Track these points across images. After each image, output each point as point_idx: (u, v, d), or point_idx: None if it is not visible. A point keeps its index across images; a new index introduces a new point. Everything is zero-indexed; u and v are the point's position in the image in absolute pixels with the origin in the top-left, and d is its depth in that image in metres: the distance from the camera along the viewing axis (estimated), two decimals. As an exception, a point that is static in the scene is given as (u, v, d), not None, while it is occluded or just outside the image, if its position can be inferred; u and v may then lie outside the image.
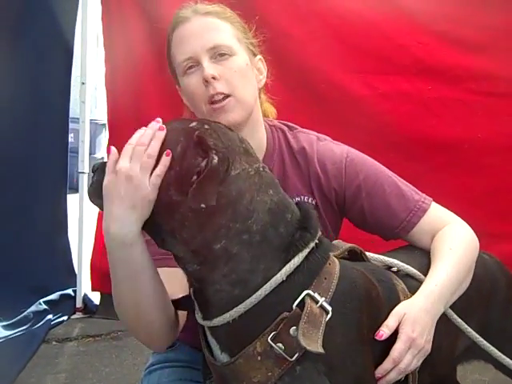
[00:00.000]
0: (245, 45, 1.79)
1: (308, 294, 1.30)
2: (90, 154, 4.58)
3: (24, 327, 3.98)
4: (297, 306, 1.29)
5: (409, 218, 1.73)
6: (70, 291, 4.44)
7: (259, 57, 1.86)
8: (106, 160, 1.39)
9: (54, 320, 4.18)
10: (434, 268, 1.59)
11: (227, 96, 1.68)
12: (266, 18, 3.85)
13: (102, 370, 3.52)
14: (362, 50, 3.85)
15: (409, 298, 1.49)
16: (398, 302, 1.47)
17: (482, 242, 3.66)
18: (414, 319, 1.40)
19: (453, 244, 1.66)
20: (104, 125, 4.47)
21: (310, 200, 1.79)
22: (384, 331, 1.37)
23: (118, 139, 3.88)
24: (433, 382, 1.66)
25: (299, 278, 1.33)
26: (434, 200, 1.84)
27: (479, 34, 3.78)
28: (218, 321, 1.31)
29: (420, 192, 1.81)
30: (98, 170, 1.41)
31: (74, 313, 4.39)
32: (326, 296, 1.32)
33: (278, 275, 1.31)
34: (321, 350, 1.23)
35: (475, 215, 3.79)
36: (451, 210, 3.78)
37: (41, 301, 4.24)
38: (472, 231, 1.78)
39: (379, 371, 1.36)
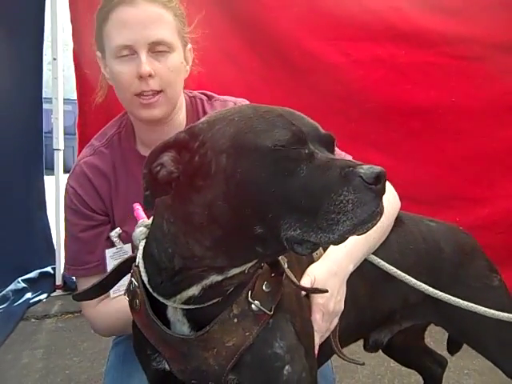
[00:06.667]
0: (182, 38, 1.78)
1: None
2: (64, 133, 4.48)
3: (3, 306, 3.96)
4: None
5: None
6: (49, 269, 4.42)
7: (190, 46, 1.85)
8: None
9: (33, 298, 4.17)
10: None
11: (158, 92, 1.71)
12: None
13: (79, 345, 3.51)
14: (335, 16, 3.83)
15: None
16: None
17: (457, 205, 3.72)
18: (322, 285, 1.46)
19: None
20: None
21: None
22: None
23: (87, 115, 3.91)
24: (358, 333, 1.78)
25: None
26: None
27: (453, -2, 3.77)
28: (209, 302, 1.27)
29: None
30: None
31: (54, 290, 4.37)
32: None
33: None
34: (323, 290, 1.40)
35: (451, 180, 3.85)
36: (426, 175, 3.77)
37: (19, 279, 4.23)
38: (393, 191, 1.78)
39: None
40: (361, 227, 1.04)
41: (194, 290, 1.23)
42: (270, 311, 1.29)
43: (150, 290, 1.28)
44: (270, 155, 1.07)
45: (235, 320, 1.27)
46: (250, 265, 1.21)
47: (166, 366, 1.37)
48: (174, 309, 1.29)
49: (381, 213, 1.05)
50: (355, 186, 1.02)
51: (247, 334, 1.27)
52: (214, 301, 1.26)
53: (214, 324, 1.27)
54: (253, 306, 1.28)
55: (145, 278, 1.29)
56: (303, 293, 1.44)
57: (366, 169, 1.03)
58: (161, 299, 1.27)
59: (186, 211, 1.15)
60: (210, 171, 1.11)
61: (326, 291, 1.42)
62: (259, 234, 1.09)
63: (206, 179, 1.12)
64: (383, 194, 1.05)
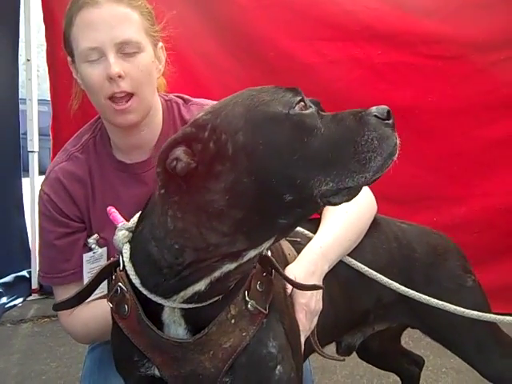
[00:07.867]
0: (150, 36, 1.75)
1: None
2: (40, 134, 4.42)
3: (-23, 311, 3.91)
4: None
5: None
6: (24, 273, 4.36)
7: (161, 44, 1.82)
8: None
9: (9, 302, 4.11)
10: (322, 228, 1.67)
11: (130, 94, 1.67)
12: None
13: (56, 350, 3.48)
14: (311, 16, 3.82)
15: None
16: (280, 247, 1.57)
17: (434, 205, 3.74)
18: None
19: (349, 207, 1.61)
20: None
21: None
22: None
23: (61, 117, 3.87)
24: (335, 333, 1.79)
25: None
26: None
27: (429, -2, 3.79)
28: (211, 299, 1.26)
29: None
30: None
31: (30, 294, 4.31)
32: None
33: None
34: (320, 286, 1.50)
35: (427, 179, 3.86)
36: (403, 175, 3.79)
37: (-6, 284, 4.17)
38: (371, 195, 1.80)
39: None
40: (388, 160, 1.09)
41: (202, 285, 1.21)
42: (266, 310, 1.31)
43: (146, 292, 1.25)
44: (287, 119, 1.10)
45: (233, 321, 1.28)
46: (267, 244, 1.20)
47: (156, 372, 1.34)
48: (172, 309, 1.27)
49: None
50: (373, 124, 1.09)
51: (244, 334, 1.29)
52: (215, 299, 1.25)
53: (212, 326, 1.27)
54: (249, 305, 1.29)
55: (136, 281, 1.26)
56: (288, 292, 1.47)
57: (376, 108, 1.12)
58: (158, 300, 1.24)
59: (201, 202, 1.13)
60: (228, 153, 1.11)
61: (322, 288, 1.48)
62: (289, 202, 1.10)
63: (224, 163, 1.11)
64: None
